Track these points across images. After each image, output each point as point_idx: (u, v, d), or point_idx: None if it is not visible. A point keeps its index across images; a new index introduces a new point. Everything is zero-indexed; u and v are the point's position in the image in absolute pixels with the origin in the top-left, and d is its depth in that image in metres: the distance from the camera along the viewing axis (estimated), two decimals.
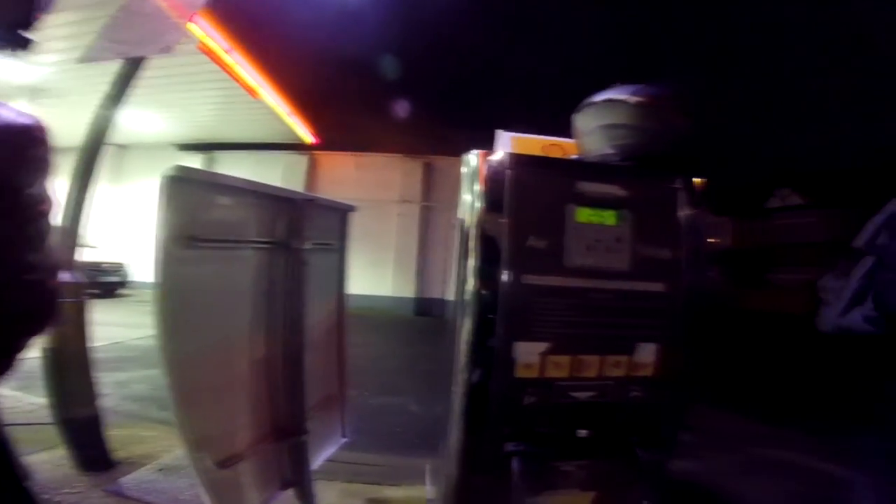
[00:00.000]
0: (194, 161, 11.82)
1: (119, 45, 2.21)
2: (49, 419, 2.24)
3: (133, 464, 2.40)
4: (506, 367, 1.14)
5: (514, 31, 7.08)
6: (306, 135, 11.46)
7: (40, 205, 0.83)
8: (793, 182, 12.28)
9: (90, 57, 2.30)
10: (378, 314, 10.46)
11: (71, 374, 2.23)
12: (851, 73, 6.78)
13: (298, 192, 1.70)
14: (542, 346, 1.14)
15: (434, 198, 11.71)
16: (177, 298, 1.24)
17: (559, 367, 1.16)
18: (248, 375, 1.59)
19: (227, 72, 8.21)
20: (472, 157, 1.24)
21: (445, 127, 10.37)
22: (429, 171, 11.71)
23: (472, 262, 1.17)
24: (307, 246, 1.68)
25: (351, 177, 11.56)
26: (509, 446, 1.20)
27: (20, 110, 0.85)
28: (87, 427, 2.28)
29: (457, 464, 1.26)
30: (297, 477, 1.77)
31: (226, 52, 7.80)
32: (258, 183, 1.52)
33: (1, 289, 0.78)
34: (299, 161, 12.03)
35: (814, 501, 2.71)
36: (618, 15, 6.17)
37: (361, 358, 3.98)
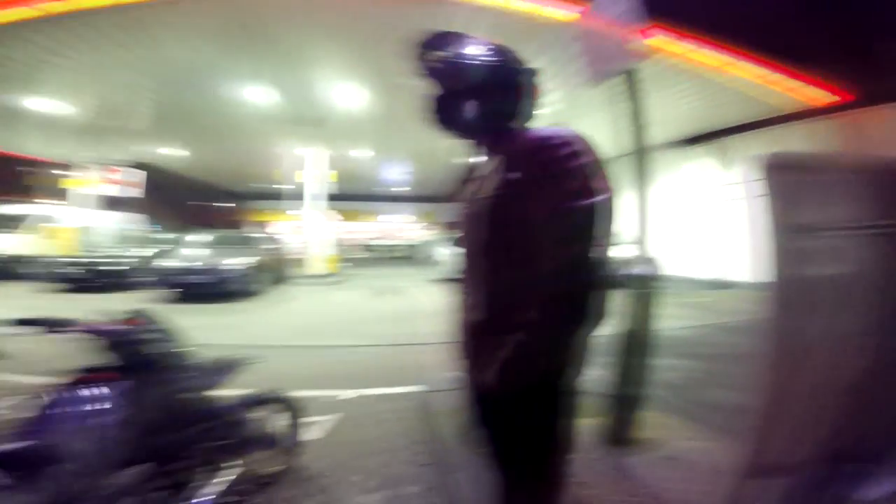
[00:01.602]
0: (703, 155, 11.94)
1: (595, 69, 2.74)
2: (600, 390, 2.50)
3: (644, 446, 2.48)
4: None
5: None
6: (821, 94, 8.92)
7: (589, 207, 0.91)
8: None
9: (582, 84, 2.86)
10: None
11: (633, 356, 2.48)
12: None
13: None
14: None
15: None
16: (785, 293, 1.17)
17: None
18: (842, 384, 1.31)
19: (684, 60, 7.81)
20: None
21: None
22: None
23: None
24: None
25: None
26: None
27: (559, 128, 0.98)
28: (627, 405, 2.49)
29: None
30: None
31: (674, 42, 7.53)
32: (870, 157, 1.22)
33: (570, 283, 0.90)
34: (821, 128, 9.39)
35: None
36: None
37: None
